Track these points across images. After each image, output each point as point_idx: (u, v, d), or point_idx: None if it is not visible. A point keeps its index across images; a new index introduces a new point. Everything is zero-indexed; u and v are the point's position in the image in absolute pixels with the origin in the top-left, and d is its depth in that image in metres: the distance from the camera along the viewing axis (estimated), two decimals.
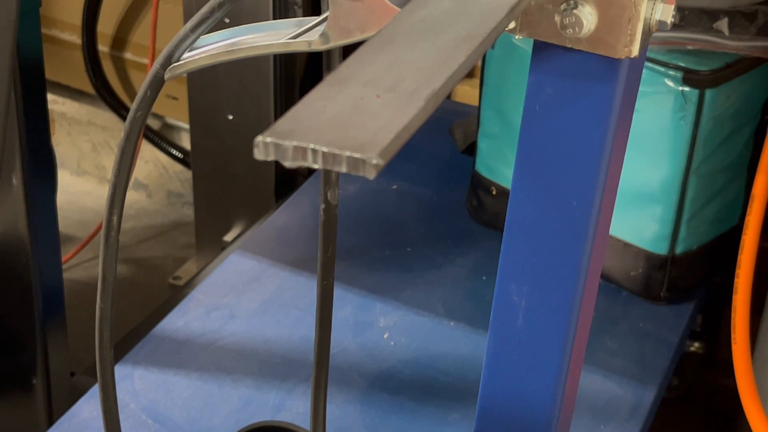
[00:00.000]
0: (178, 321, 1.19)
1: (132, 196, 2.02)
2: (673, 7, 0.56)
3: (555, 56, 0.58)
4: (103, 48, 1.93)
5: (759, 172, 1.01)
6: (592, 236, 0.63)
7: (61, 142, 2.07)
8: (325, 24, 0.58)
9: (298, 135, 0.35)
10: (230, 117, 1.58)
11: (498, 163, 1.31)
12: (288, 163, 0.36)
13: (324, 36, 0.58)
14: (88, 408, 1.07)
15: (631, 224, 1.21)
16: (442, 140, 1.54)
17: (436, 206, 1.41)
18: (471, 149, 1.43)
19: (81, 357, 1.35)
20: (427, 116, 0.40)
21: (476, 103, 1.34)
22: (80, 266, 1.82)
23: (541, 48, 0.58)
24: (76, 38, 1.93)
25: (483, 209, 1.35)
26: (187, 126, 1.78)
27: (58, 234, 1.19)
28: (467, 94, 1.67)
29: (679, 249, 1.22)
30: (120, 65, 1.96)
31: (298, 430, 0.98)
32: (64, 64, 1.98)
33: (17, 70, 1.05)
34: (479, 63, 1.35)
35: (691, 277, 1.25)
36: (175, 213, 2.01)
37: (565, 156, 0.61)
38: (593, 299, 0.69)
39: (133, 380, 1.11)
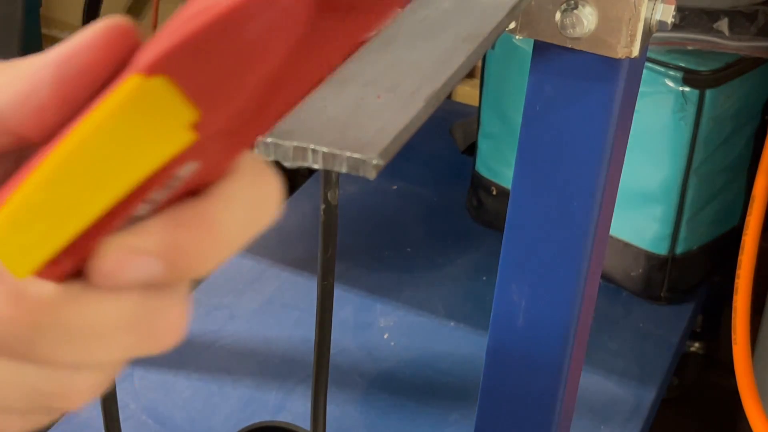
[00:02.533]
0: None
1: None
2: (673, 7, 0.56)
3: (555, 56, 0.58)
4: None
5: (759, 173, 1.02)
6: (593, 236, 0.63)
7: None
8: None
9: (298, 135, 0.35)
10: None
11: (498, 163, 1.31)
12: (288, 163, 0.36)
13: None
14: (88, 408, 1.07)
15: (631, 224, 1.21)
16: (442, 140, 1.53)
17: (436, 206, 1.41)
18: (471, 149, 1.43)
19: None
20: (427, 116, 0.40)
21: (476, 103, 1.34)
22: None
23: (541, 48, 0.58)
24: None
25: (483, 209, 1.35)
26: None
27: None
28: (467, 94, 1.67)
29: (679, 249, 1.22)
30: None
31: (298, 430, 0.98)
32: None
33: None
34: (479, 63, 1.35)
35: (692, 278, 1.25)
36: None
37: (565, 156, 0.61)
38: (593, 300, 0.69)
39: (133, 380, 1.11)
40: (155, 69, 0.28)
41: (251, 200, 0.31)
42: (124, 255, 0.29)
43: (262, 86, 0.29)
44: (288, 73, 0.29)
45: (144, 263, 0.29)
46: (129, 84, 0.28)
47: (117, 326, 0.30)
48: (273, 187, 0.31)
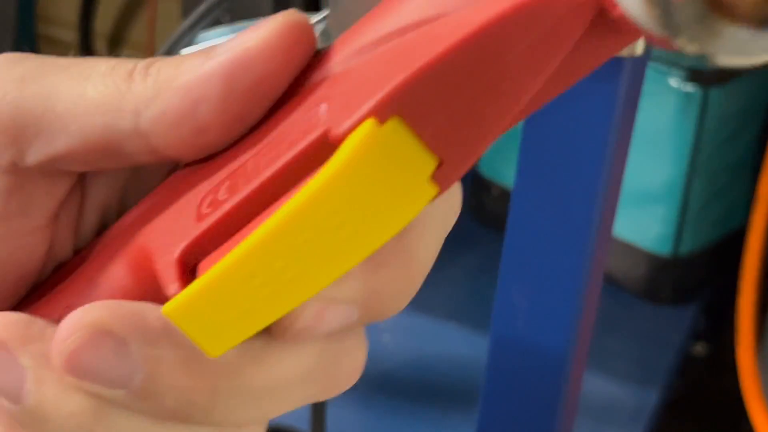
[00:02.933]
0: None
1: None
2: None
3: None
4: (100, 46, 1.92)
5: (765, 172, 1.01)
6: (595, 237, 0.62)
7: None
8: (325, 22, 0.57)
9: None
10: None
11: (500, 162, 1.31)
12: None
13: (324, 34, 0.57)
14: None
15: (633, 224, 1.20)
16: None
17: None
18: None
19: None
20: None
21: None
22: None
23: None
24: (72, 37, 1.93)
25: (484, 209, 1.34)
26: None
27: None
28: None
29: (682, 250, 1.21)
30: None
31: (298, 431, 0.98)
32: None
33: None
34: None
35: (695, 279, 1.25)
36: None
37: (567, 155, 0.60)
38: (596, 301, 0.68)
39: None
40: (389, 109, 0.21)
41: (443, 217, 0.27)
42: (323, 307, 0.24)
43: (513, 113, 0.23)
44: (537, 96, 0.24)
45: (341, 313, 0.25)
46: (360, 133, 0.21)
47: (300, 380, 0.27)
48: (458, 193, 0.27)
